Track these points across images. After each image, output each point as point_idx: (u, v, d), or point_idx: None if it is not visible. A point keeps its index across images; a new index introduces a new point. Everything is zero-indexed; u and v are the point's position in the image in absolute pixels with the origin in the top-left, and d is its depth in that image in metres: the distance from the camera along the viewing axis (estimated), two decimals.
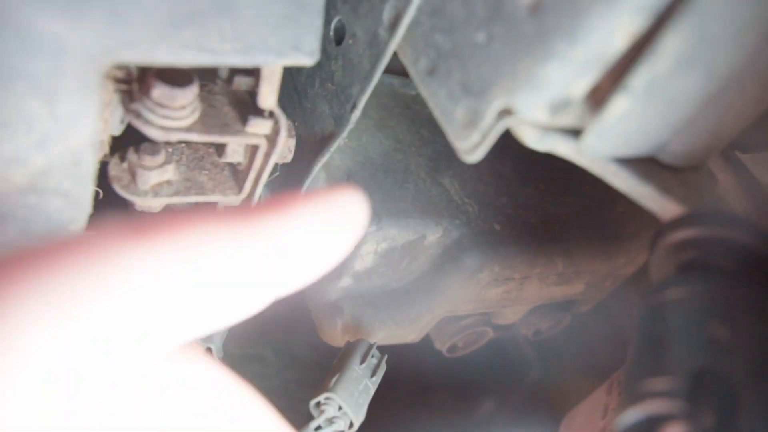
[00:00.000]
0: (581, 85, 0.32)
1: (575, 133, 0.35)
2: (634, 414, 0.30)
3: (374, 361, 0.56)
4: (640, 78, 0.30)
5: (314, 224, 0.25)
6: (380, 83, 0.70)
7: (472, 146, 0.36)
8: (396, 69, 0.70)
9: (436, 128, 0.67)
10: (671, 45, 0.29)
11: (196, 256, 0.25)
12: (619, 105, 0.31)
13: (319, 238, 0.25)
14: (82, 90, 0.35)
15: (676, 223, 0.36)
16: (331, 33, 0.48)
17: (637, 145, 0.36)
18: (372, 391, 0.55)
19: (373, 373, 0.55)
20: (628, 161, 0.37)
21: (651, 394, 0.29)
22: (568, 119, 0.34)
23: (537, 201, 0.68)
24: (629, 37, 0.30)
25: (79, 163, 0.38)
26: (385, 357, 0.56)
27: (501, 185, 0.67)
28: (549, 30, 0.31)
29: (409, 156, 0.62)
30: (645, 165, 0.38)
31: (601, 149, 0.34)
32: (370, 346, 0.56)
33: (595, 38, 0.30)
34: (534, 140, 0.35)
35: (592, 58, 0.30)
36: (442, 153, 0.65)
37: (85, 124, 0.36)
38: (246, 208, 0.25)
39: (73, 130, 0.36)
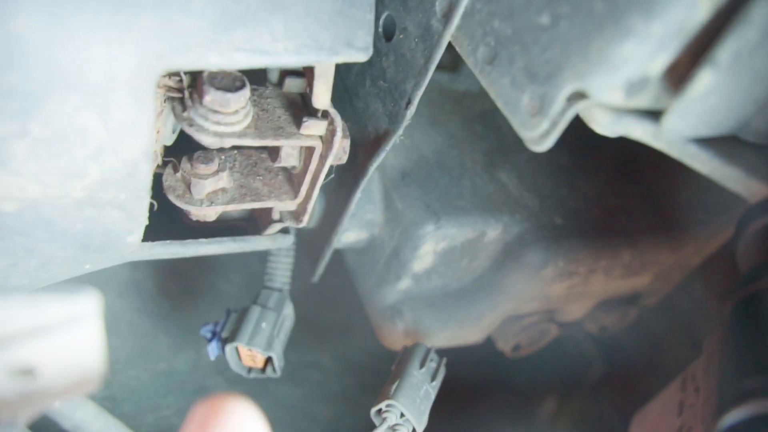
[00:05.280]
0: (660, 62, 0.29)
1: (650, 114, 0.33)
2: (737, 415, 0.28)
3: (433, 365, 0.54)
4: (727, 50, 0.28)
5: None
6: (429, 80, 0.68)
7: (542, 135, 0.34)
8: (443, 65, 0.68)
9: (489, 123, 0.65)
10: (761, 12, 0.27)
11: None
12: (705, 81, 0.29)
13: None
14: (135, 100, 0.34)
15: (766, 205, 0.34)
16: (380, 29, 0.47)
17: (719, 123, 0.33)
18: (433, 396, 0.53)
19: (433, 378, 0.54)
20: (709, 141, 0.35)
21: (756, 392, 0.27)
22: (644, 100, 0.32)
23: (598, 191, 0.65)
24: (712, 7, 0.28)
25: (134, 174, 0.37)
26: (444, 360, 0.55)
27: (560, 177, 0.64)
28: (622, 6, 0.28)
29: (464, 152, 0.60)
30: (727, 144, 0.35)
31: (681, 130, 0.32)
32: (428, 350, 0.54)
33: (675, 11, 0.27)
34: (607, 125, 0.33)
35: (672, 33, 0.28)
36: (497, 148, 0.63)
37: (139, 134, 0.35)
38: None
39: (127, 140, 0.35)
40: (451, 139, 0.61)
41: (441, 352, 0.56)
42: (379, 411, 0.51)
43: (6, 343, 0.24)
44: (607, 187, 0.66)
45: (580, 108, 0.32)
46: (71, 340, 0.26)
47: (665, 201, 0.69)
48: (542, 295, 0.61)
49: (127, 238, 0.42)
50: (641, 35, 0.28)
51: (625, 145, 0.45)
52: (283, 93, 0.44)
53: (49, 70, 0.31)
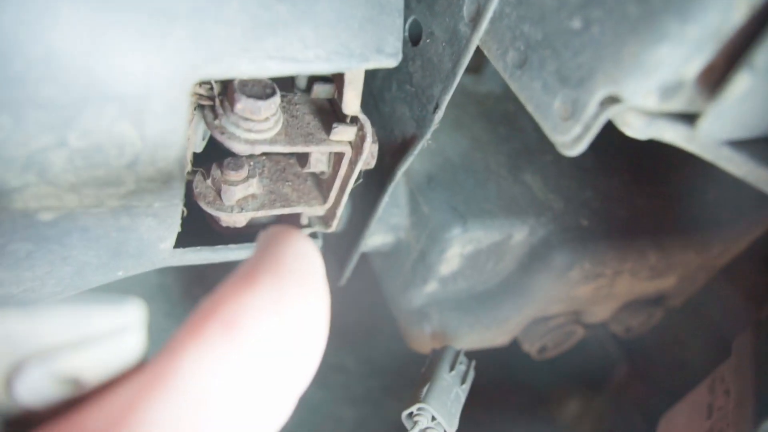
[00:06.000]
0: (695, 65, 0.29)
1: (683, 117, 0.33)
2: None
3: (463, 367, 0.54)
4: (765, 53, 0.27)
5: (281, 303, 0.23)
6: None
7: (574, 139, 0.34)
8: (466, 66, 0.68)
9: (512, 125, 0.65)
10: None
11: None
12: (741, 84, 0.28)
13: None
14: (170, 109, 0.34)
15: None
16: (406, 33, 0.47)
17: (754, 125, 0.33)
18: (463, 399, 0.53)
19: (463, 380, 0.54)
20: (743, 143, 0.34)
21: None
22: (678, 104, 0.32)
23: (623, 192, 0.65)
24: (748, 9, 0.27)
25: (168, 182, 0.38)
26: (473, 363, 0.55)
27: (584, 178, 0.64)
28: (657, 9, 0.28)
29: (488, 154, 0.60)
30: (762, 146, 0.35)
31: (716, 134, 0.32)
32: (458, 353, 0.54)
33: (711, 14, 0.27)
34: (639, 128, 0.33)
35: (708, 36, 0.28)
36: (521, 150, 0.63)
37: (174, 143, 0.36)
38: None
39: (162, 150, 0.36)
40: (476, 141, 0.61)
41: (468, 354, 0.56)
42: (410, 414, 0.51)
43: (53, 353, 0.25)
44: (633, 188, 0.66)
45: (613, 112, 0.32)
46: (116, 350, 0.26)
47: (691, 201, 0.68)
48: (568, 297, 0.61)
49: (160, 245, 0.42)
50: (676, 38, 0.28)
51: (650, 145, 0.45)
52: (311, 99, 0.45)
53: (86, 82, 0.31)
